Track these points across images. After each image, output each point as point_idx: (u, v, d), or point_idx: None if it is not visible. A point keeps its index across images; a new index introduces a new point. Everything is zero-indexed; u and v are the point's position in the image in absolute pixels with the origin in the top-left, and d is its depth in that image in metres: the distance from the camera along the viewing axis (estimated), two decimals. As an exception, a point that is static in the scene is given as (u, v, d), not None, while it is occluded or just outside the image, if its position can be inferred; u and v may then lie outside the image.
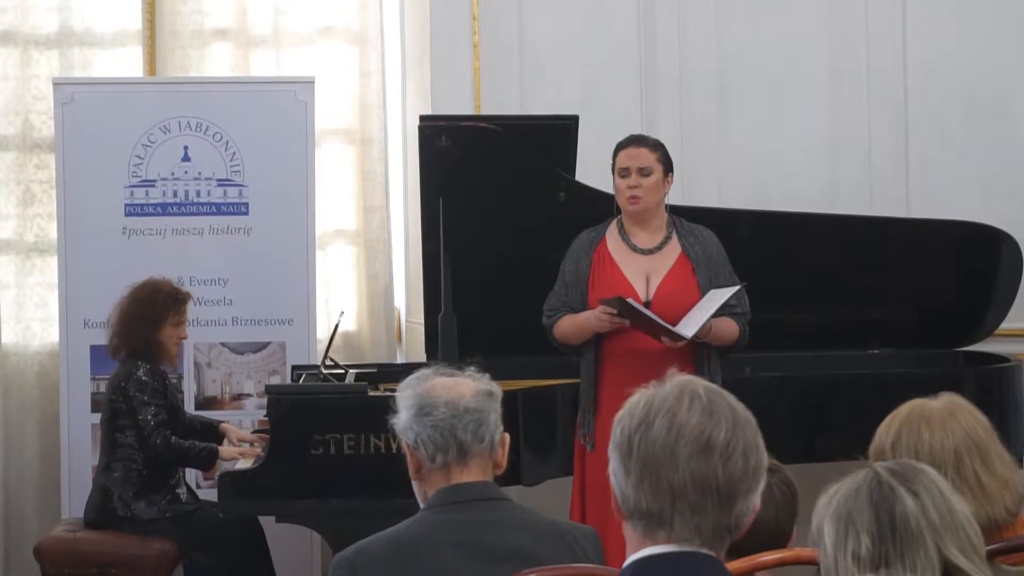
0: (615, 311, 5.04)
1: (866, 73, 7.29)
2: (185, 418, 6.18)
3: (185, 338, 6.16)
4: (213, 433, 6.13)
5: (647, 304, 5.13)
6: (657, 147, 5.29)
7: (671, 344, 5.01)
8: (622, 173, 5.23)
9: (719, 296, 5.12)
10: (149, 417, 5.82)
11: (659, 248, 5.27)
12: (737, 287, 5.16)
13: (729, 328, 5.21)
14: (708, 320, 5.05)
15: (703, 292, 5.18)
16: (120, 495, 5.84)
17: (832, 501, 2.27)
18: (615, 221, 5.34)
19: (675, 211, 5.45)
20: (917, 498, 2.21)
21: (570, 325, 5.26)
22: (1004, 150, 7.29)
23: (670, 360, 4.79)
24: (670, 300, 5.15)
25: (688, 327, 5.03)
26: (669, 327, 5.00)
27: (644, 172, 5.21)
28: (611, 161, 5.28)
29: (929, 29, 7.28)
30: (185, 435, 6.00)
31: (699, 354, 5.17)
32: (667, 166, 5.27)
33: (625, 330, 5.10)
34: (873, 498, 2.22)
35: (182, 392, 6.65)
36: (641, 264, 5.24)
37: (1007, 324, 6.56)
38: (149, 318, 5.96)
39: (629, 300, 5.01)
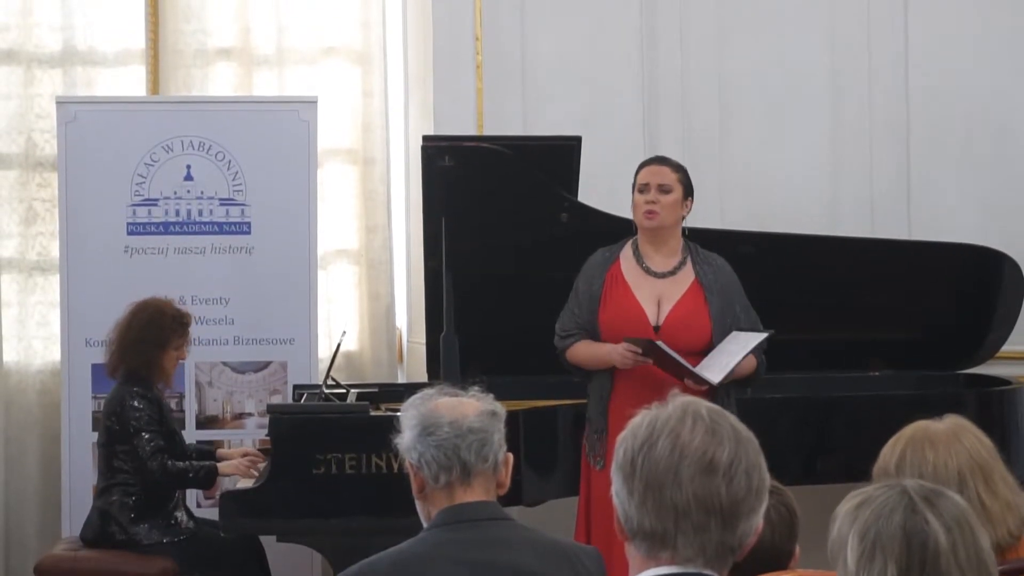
0: (640, 350, 5.03)
1: (868, 94, 7.31)
2: (182, 440, 6.14)
3: (184, 358, 6.15)
4: (211, 460, 6.10)
5: (656, 329, 5.11)
6: (679, 169, 5.29)
7: (695, 387, 4.92)
8: (641, 189, 5.22)
9: (745, 341, 5.09)
10: (145, 444, 5.78)
11: (673, 273, 5.24)
12: (765, 335, 5.12)
13: (748, 365, 5.17)
14: (734, 369, 5.02)
15: (714, 320, 5.15)
16: (118, 519, 5.82)
17: (859, 514, 2.23)
18: (630, 242, 5.32)
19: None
20: (950, 533, 2.17)
21: (587, 354, 5.22)
22: (1005, 171, 7.31)
23: (681, 386, 4.80)
24: (680, 326, 5.13)
25: (715, 372, 4.99)
26: (696, 372, 4.97)
27: (663, 189, 5.20)
28: (632, 181, 5.27)
29: (931, 50, 7.30)
30: (182, 457, 5.98)
31: (716, 388, 5.06)
32: (687, 189, 5.27)
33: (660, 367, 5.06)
34: (906, 525, 2.18)
35: (183, 411, 6.65)
36: (654, 287, 5.21)
37: (1008, 346, 6.56)
38: (155, 342, 5.93)
39: (659, 343, 4.97)
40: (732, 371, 5.03)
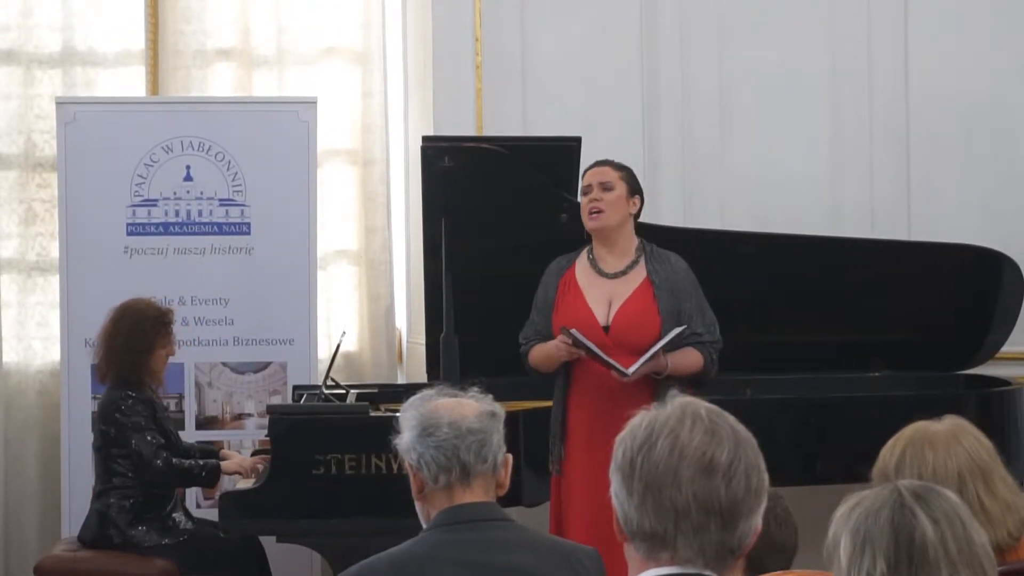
0: (570, 341, 5.05)
1: (868, 97, 7.31)
2: (178, 441, 6.10)
3: (173, 354, 6.09)
4: (213, 459, 6.08)
5: (606, 329, 5.12)
6: (622, 168, 5.30)
7: (618, 379, 4.98)
8: (585, 191, 5.25)
9: (669, 335, 5.09)
10: (146, 444, 5.76)
11: (624, 273, 5.24)
12: (681, 328, 5.09)
13: (691, 359, 5.18)
14: (651, 358, 5.01)
15: (664, 318, 5.14)
16: (116, 522, 5.80)
17: (851, 515, 2.25)
18: (587, 247, 5.33)
19: (677, 232, 5.45)
20: (937, 526, 2.19)
21: (540, 353, 5.26)
22: (1005, 173, 7.31)
23: (632, 389, 4.83)
24: (629, 325, 5.13)
25: (632, 366, 4.99)
26: (612, 363, 4.98)
27: (605, 187, 5.20)
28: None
29: (931, 52, 7.30)
30: (181, 456, 5.95)
31: (660, 385, 5.04)
32: (632, 187, 5.26)
33: (591, 359, 5.08)
34: (894, 520, 2.20)
35: (182, 411, 6.64)
36: (605, 288, 5.22)
37: (1008, 347, 6.56)
38: (140, 346, 5.89)
39: (574, 332, 5.00)
40: (660, 362, 5.03)
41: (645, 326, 5.13)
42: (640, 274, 5.23)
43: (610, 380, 5.02)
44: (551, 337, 5.21)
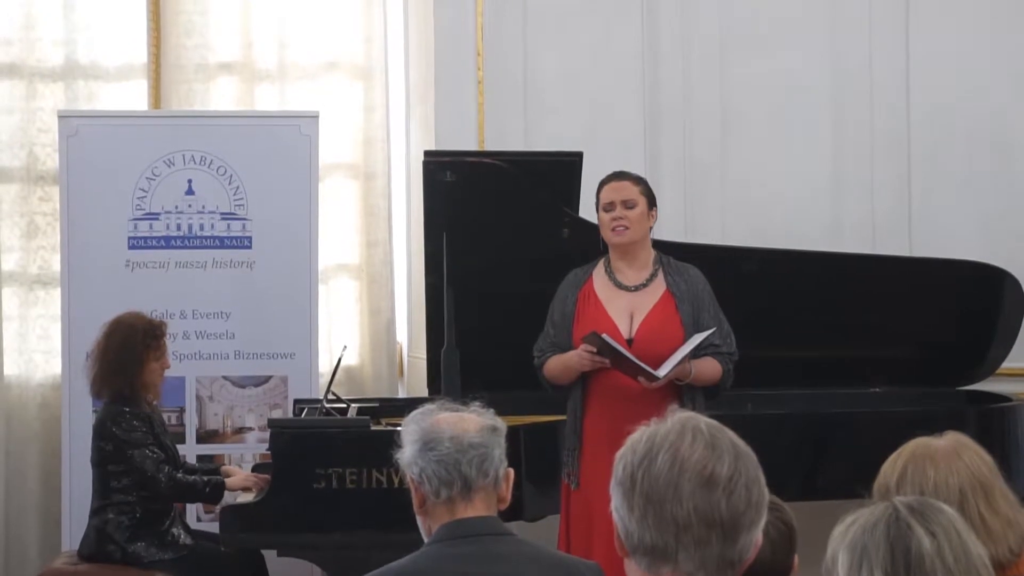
0: (595, 349, 5.04)
1: (869, 112, 7.32)
2: (176, 453, 6.05)
3: (169, 367, 6.04)
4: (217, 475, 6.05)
5: (629, 342, 5.12)
6: (640, 181, 5.30)
7: (647, 384, 4.98)
8: (606, 207, 5.24)
9: (696, 339, 5.11)
10: (146, 459, 5.73)
11: (644, 285, 5.24)
12: (710, 330, 5.12)
13: (711, 368, 5.18)
14: (680, 362, 5.02)
15: (686, 330, 5.14)
16: (115, 538, 5.77)
17: (848, 531, 2.25)
18: (602, 260, 5.33)
19: (678, 248, 5.45)
20: (934, 538, 2.19)
21: (557, 365, 5.24)
22: (1006, 189, 7.31)
23: (653, 400, 4.80)
24: (653, 338, 5.12)
25: (662, 369, 5.00)
26: (644, 366, 4.97)
27: (628, 204, 5.20)
28: (595, 199, 5.30)
29: (932, 68, 7.32)
30: (179, 469, 5.94)
31: (683, 395, 5.11)
32: (650, 200, 5.27)
33: (609, 369, 5.08)
34: (890, 534, 2.20)
35: (183, 425, 6.64)
36: (626, 301, 5.22)
37: (1008, 363, 6.56)
38: (132, 361, 5.84)
39: (604, 336, 4.99)
40: (685, 367, 5.04)
41: (668, 338, 5.12)
42: (660, 286, 5.24)
43: (632, 389, 5.01)
44: (568, 350, 5.20)
